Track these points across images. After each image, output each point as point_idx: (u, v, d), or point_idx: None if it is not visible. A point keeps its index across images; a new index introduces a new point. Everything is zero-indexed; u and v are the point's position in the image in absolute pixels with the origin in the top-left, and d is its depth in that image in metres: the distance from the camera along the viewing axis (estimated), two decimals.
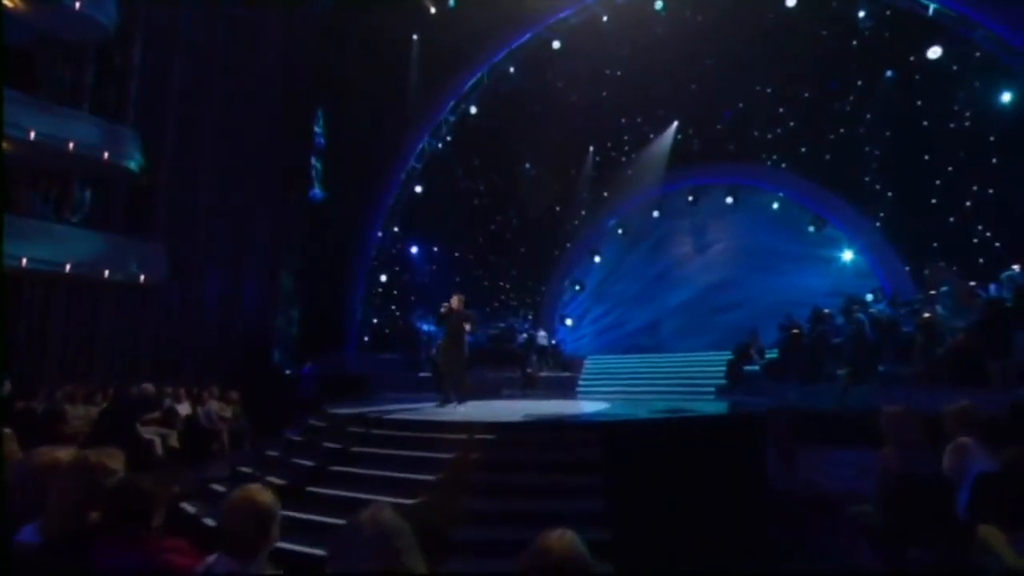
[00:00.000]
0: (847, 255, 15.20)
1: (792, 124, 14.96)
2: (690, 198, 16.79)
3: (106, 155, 12.16)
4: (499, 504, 5.40)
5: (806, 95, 14.57)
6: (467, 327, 8.70)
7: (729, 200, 16.17)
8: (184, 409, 9.90)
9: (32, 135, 11.09)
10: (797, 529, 5.46)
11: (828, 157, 14.33)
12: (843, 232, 15.11)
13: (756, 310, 14.33)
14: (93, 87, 12.52)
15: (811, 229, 15.44)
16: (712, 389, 11.20)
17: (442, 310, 8.62)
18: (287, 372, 13.98)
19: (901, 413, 3.73)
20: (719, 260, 16.40)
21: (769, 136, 15.32)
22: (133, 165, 12.73)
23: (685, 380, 12.57)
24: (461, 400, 8.79)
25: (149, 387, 9.54)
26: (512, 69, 15.89)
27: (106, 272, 12.10)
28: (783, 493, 6.44)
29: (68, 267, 11.49)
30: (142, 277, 12.57)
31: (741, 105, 15.23)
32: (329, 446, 6.86)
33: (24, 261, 10.59)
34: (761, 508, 6.15)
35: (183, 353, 13.38)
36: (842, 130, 14.35)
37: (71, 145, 11.63)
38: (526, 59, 15.84)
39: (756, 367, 11.09)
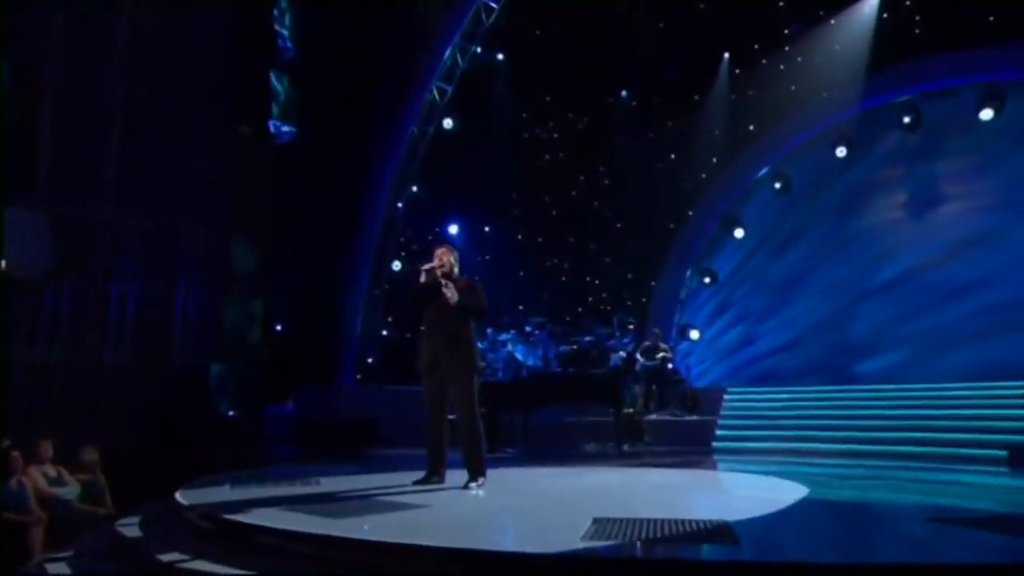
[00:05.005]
0: None
1: None
2: (905, 119, 13.44)
3: None
4: None
5: None
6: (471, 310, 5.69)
7: (986, 114, 12.63)
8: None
9: None
10: None
11: None
12: None
13: None
14: None
15: None
16: (998, 452, 8.11)
17: (422, 277, 5.58)
18: (229, 415, 11.81)
19: None
20: (965, 223, 13.07)
21: None
22: None
23: (921, 432, 9.52)
24: (476, 474, 5.42)
25: None
26: None
27: None
28: None
29: None
30: (2, 263, 10.07)
31: None
32: None
33: None
34: None
35: (77, 386, 10.93)
36: None
37: None
38: None
39: None
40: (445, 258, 5.58)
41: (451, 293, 5.35)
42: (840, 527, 4.31)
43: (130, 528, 4.71)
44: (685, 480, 6.75)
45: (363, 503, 4.62)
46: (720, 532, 3.68)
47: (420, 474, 5.47)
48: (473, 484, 5.25)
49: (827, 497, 5.29)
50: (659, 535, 3.56)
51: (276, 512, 4.20)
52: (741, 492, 5.72)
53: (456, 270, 5.66)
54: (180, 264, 12.44)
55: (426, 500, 4.71)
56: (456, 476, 5.37)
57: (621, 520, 3.91)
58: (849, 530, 4.25)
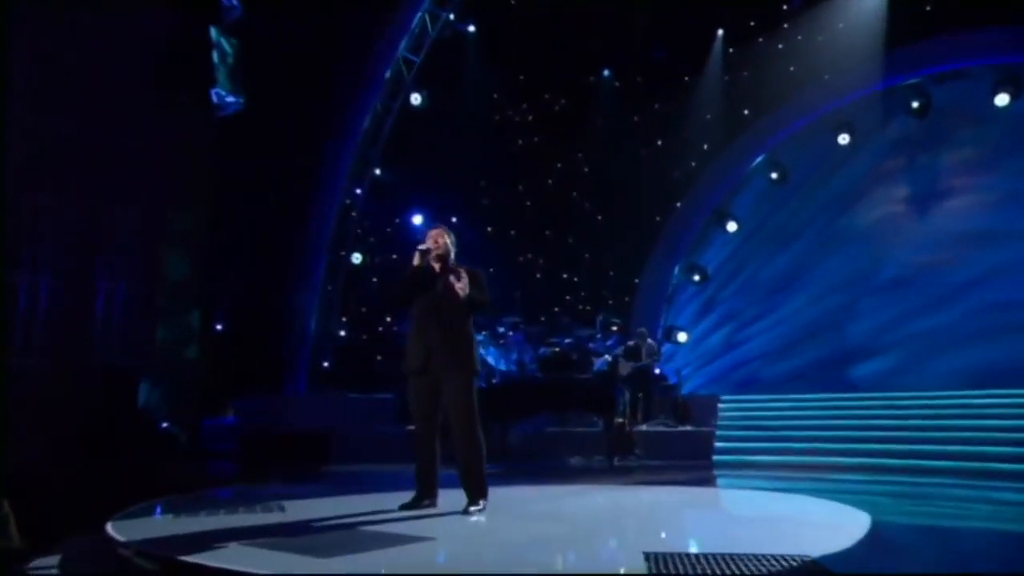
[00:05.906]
0: None
1: None
2: (914, 104, 13.49)
3: None
4: None
5: None
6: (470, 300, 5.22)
7: (1002, 100, 12.66)
8: None
9: None
10: None
11: None
12: None
13: None
14: None
15: None
16: None
17: (415, 260, 5.13)
18: (163, 427, 11.41)
19: None
20: (971, 217, 13.10)
21: None
22: None
23: (944, 446, 9.44)
24: (476, 496, 4.92)
25: None
26: None
27: None
28: None
29: None
30: None
31: None
32: None
33: None
34: None
35: None
36: None
37: None
38: None
39: None
40: (440, 240, 5.16)
41: (463, 283, 4.92)
42: (942, 560, 3.88)
43: (47, 571, 4.16)
44: (711, 500, 6.46)
45: (349, 535, 4.06)
46: (812, 572, 3.18)
47: (406, 496, 4.95)
48: (474, 508, 4.75)
49: (895, 522, 4.93)
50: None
51: (241, 549, 3.64)
52: (791, 517, 5.23)
53: (453, 254, 5.23)
54: (102, 251, 12.07)
55: (425, 530, 4.16)
56: (446, 497, 4.88)
57: (678, 555, 3.44)
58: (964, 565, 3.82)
